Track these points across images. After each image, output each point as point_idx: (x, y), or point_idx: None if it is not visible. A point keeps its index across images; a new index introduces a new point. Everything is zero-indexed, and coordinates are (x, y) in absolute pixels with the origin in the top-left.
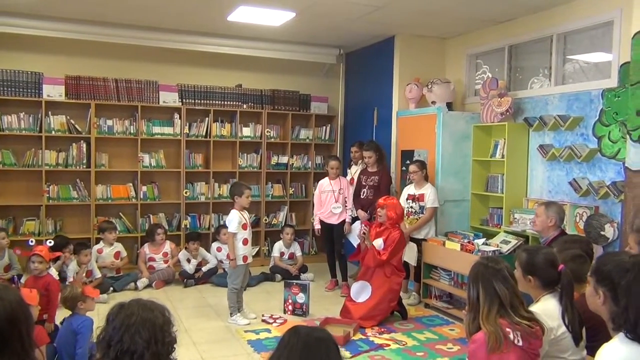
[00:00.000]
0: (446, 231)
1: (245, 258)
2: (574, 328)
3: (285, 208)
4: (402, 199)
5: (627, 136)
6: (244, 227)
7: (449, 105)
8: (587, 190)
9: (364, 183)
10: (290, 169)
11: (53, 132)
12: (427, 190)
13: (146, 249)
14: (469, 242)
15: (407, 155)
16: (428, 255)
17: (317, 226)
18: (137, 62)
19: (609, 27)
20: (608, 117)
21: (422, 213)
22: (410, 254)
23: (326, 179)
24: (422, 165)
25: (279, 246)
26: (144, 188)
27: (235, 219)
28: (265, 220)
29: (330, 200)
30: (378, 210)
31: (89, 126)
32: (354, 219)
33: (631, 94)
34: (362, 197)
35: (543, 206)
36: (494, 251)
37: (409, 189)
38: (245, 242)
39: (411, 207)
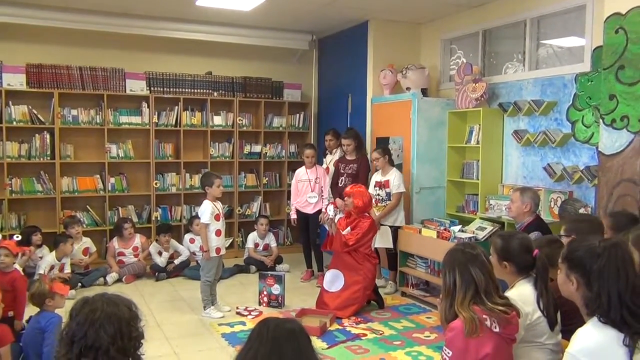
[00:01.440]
0: (422, 219)
1: (218, 250)
2: (549, 313)
3: (259, 198)
4: (371, 187)
5: (600, 120)
6: (217, 218)
7: (424, 92)
8: (562, 176)
9: (342, 171)
10: (263, 158)
11: (14, 123)
12: (392, 176)
13: (115, 243)
14: (445, 230)
15: (383, 143)
16: (404, 243)
17: (293, 216)
18: (102, 49)
19: (582, 11)
20: (582, 101)
21: (390, 200)
22: (383, 239)
23: (303, 167)
24: (384, 151)
25: (253, 237)
26: (112, 180)
27: (207, 210)
28: (239, 211)
29: (307, 190)
30: (345, 199)
31: (52, 116)
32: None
33: (604, 78)
34: (340, 185)
35: (518, 192)
36: (470, 238)
37: (376, 176)
38: (218, 233)
39: (378, 194)
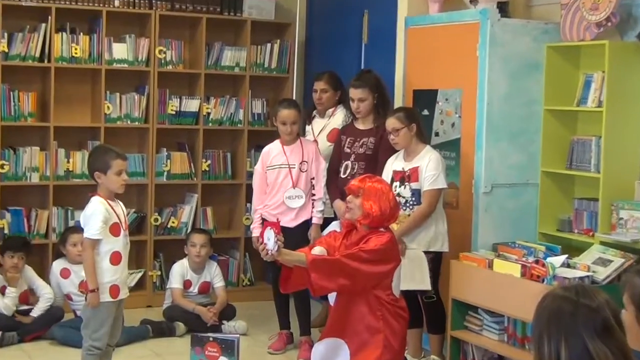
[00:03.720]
0: (494, 242)
1: (115, 290)
2: None
3: (193, 198)
4: (385, 178)
5: None
6: (115, 230)
7: (503, 8)
8: None
9: (348, 150)
10: (203, 124)
11: None
12: (424, 160)
13: None
14: (536, 262)
15: (423, 100)
16: (459, 285)
17: (257, 232)
18: None
19: None
20: None
21: (417, 203)
22: (415, 275)
23: (276, 143)
24: (410, 116)
25: (181, 270)
26: None
27: (97, 215)
28: (156, 220)
29: (284, 183)
30: (348, 199)
31: None
32: (329, 220)
33: None
34: (342, 176)
35: None
36: (582, 278)
37: (395, 162)
38: (116, 259)
39: (398, 193)
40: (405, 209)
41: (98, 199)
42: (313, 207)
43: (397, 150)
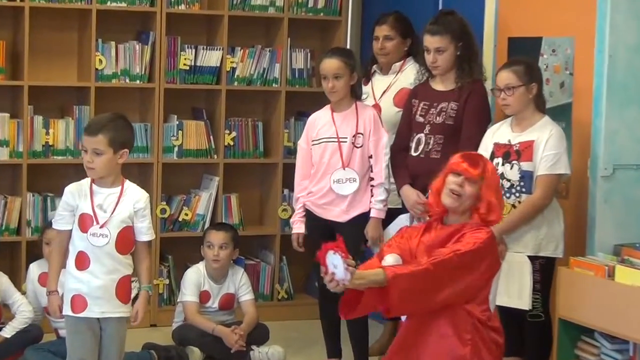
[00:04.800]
0: (616, 243)
1: (78, 302)
2: None
3: (213, 182)
4: (483, 153)
5: None
6: (83, 223)
7: None
8: None
9: (422, 118)
10: (226, 83)
11: None
12: (542, 134)
13: None
14: None
15: (521, 51)
16: (568, 302)
17: (297, 230)
18: None
19: None
20: None
21: (527, 191)
22: (512, 288)
23: (325, 110)
24: (531, 72)
25: (196, 277)
26: None
27: (62, 198)
28: (164, 211)
29: (333, 163)
30: (457, 182)
31: None
32: (394, 212)
33: None
34: (414, 154)
35: None
36: None
37: (498, 131)
38: (80, 261)
39: (502, 174)
40: (510, 197)
41: (82, 181)
42: (372, 196)
43: (488, 122)
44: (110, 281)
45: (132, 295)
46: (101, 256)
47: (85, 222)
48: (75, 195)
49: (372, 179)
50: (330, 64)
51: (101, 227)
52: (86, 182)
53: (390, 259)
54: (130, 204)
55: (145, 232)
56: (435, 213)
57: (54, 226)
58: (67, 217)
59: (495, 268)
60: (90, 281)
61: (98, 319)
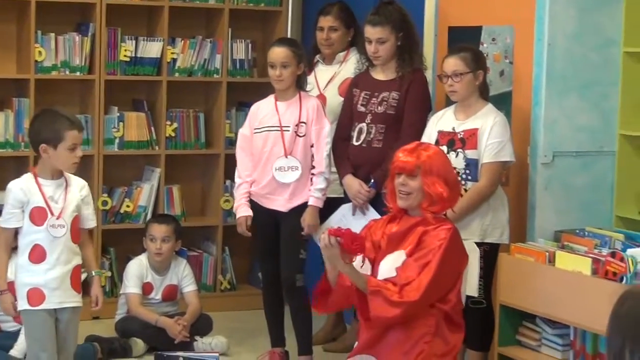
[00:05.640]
0: (556, 229)
1: (36, 295)
2: None
3: (155, 173)
4: (426, 141)
5: None
6: (36, 216)
7: None
8: None
9: (363, 108)
10: (167, 74)
11: None
12: (486, 121)
13: None
14: (612, 255)
15: (461, 40)
16: (509, 288)
17: (244, 213)
18: None
19: None
20: None
21: (473, 179)
22: (465, 276)
23: (269, 99)
24: (478, 59)
25: (139, 269)
26: None
27: (8, 197)
28: (105, 203)
29: (275, 151)
30: (400, 182)
31: None
32: (336, 201)
33: None
34: (356, 143)
35: None
36: None
37: (441, 120)
38: (36, 254)
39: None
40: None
41: (23, 177)
42: (309, 184)
43: (429, 110)
44: (66, 271)
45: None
46: (57, 247)
47: (39, 215)
48: (26, 191)
49: (313, 168)
50: (279, 53)
51: (57, 218)
52: (29, 176)
53: (388, 261)
54: (76, 193)
55: (91, 218)
56: (397, 212)
57: (3, 225)
58: (17, 214)
59: (464, 262)
60: (46, 273)
61: (55, 309)
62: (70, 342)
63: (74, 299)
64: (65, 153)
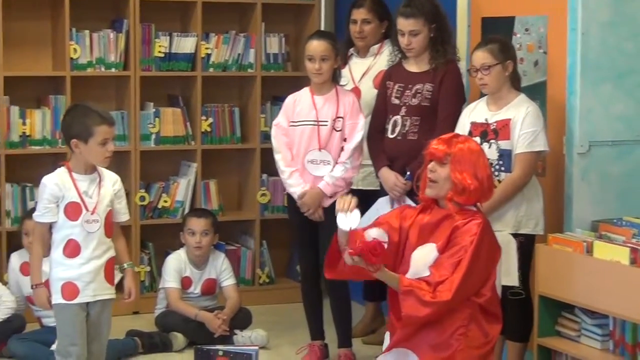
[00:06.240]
0: (594, 219)
1: (70, 289)
2: None
3: (191, 168)
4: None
5: None
6: (71, 211)
7: None
8: None
9: (397, 100)
10: (202, 70)
11: None
12: (518, 112)
13: None
14: None
15: (494, 31)
16: (548, 279)
17: (297, 189)
18: None
19: None
20: None
21: (507, 170)
22: (504, 267)
23: (304, 91)
24: (506, 49)
25: (177, 264)
26: None
27: (43, 192)
28: (143, 199)
29: (310, 144)
30: (429, 168)
31: None
32: (372, 194)
33: None
34: (391, 136)
35: None
36: None
37: (473, 111)
38: (71, 249)
39: None
40: (494, 177)
41: (57, 172)
42: (342, 179)
43: (463, 102)
44: (100, 265)
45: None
46: (91, 242)
47: (74, 211)
48: (61, 186)
49: (342, 162)
50: (319, 46)
51: (92, 213)
52: (63, 171)
53: (374, 232)
54: (109, 187)
55: (124, 212)
56: (429, 202)
57: (38, 220)
58: (53, 209)
59: (497, 256)
60: (81, 267)
61: (87, 303)
62: (103, 333)
63: (107, 292)
64: (96, 148)
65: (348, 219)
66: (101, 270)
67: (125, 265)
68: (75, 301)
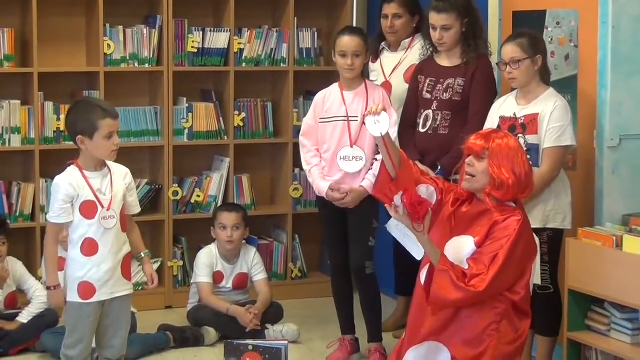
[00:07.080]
0: (625, 213)
1: (86, 288)
2: None
3: (224, 163)
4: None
5: None
6: (87, 210)
7: None
8: None
9: (429, 95)
10: (235, 64)
11: None
12: (546, 106)
13: None
14: None
15: (526, 25)
16: (578, 273)
17: (323, 185)
18: None
19: None
20: None
21: (534, 164)
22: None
23: (334, 87)
24: (535, 44)
25: (209, 259)
26: None
27: (56, 192)
28: (176, 194)
29: (342, 140)
30: (467, 162)
31: None
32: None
33: None
34: (422, 130)
35: None
36: None
37: (503, 106)
38: (88, 247)
39: None
40: None
41: (68, 171)
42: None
43: (494, 96)
44: (117, 262)
45: (133, 273)
46: (109, 239)
47: (90, 209)
48: (75, 186)
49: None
50: (351, 42)
51: (107, 209)
52: (74, 170)
53: (423, 190)
54: (121, 181)
55: (135, 204)
56: (463, 194)
57: (54, 221)
58: (68, 209)
59: (533, 254)
60: (99, 266)
61: (104, 301)
62: (123, 328)
63: (124, 288)
64: (102, 142)
65: (378, 125)
66: (118, 267)
67: (143, 255)
68: (92, 300)
